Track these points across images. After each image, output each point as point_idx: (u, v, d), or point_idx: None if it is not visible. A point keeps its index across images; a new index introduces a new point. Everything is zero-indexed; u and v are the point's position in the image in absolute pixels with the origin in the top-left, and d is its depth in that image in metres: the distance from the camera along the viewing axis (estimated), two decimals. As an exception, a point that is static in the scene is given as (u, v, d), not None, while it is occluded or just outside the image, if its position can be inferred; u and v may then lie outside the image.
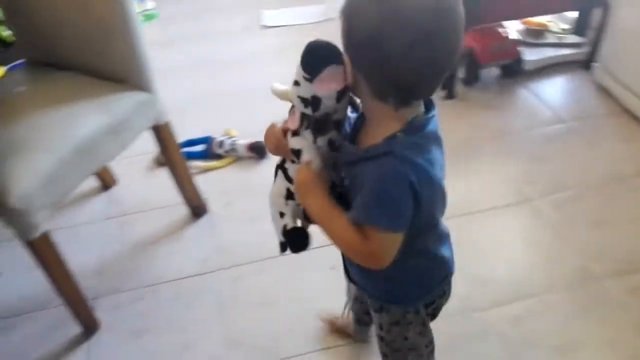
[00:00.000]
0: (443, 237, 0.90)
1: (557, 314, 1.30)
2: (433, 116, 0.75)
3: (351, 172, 0.78)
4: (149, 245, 1.59)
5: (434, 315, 0.97)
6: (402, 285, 0.88)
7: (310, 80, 0.72)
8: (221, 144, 1.88)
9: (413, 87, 0.69)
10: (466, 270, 1.40)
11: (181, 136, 1.57)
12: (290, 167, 0.82)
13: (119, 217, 1.69)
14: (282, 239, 0.88)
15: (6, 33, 2.48)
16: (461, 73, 2.08)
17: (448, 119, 1.95)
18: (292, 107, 0.78)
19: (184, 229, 1.63)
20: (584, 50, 2.15)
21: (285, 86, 0.79)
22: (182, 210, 1.66)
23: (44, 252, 1.16)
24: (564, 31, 2.24)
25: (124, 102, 1.28)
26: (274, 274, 1.45)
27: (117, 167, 1.79)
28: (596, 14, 2.07)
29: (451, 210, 1.51)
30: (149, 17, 2.86)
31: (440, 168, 0.77)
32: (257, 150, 1.85)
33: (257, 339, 1.30)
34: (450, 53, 0.68)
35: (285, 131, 0.80)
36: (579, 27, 2.20)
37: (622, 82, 1.89)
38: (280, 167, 0.85)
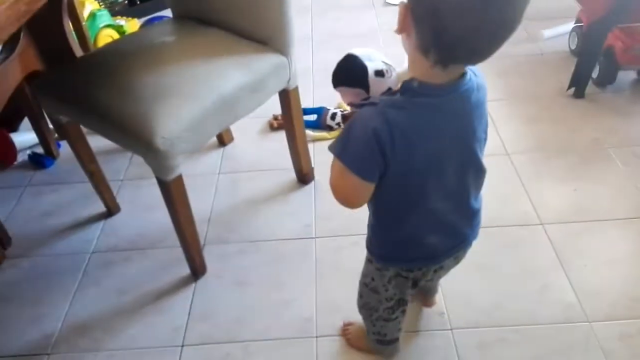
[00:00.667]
0: (436, 222, 0.90)
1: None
2: (444, 90, 0.77)
3: None
4: (256, 203, 1.65)
5: (414, 284, 1.01)
6: (378, 241, 0.97)
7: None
8: (333, 115, 1.91)
9: (455, 47, 0.71)
10: (576, 278, 1.34)
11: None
12: None
13: (231, 173, 1.77)
14: None
15: (147, -13, 2.64)
16: (595, 72, 1.95)
17: (573, 119, 1.86)
18: None
19: (290, 193, 1.68)
20: None
21: None
22: (290, 176, 1.71)
23: (176, 193, 1.23)
24: None
25: (264, 63, 1.32)
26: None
27: (234, 126, 1.86)
28: None
29: (567, 215, 1.46)
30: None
31: (430, 138, 0.79)
32: (368, 127, 1.85)
33: (350, 308, 1.31)
34: (502, 26, 0.68)
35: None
36: None
37: None
38: None
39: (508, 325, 1.26)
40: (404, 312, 1.09)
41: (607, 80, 1.94)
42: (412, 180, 0.83)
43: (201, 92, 1.20)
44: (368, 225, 0.98)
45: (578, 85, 1.92)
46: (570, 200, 1.56)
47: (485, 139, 0.87)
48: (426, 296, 1.28)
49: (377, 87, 0.85)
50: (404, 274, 0.98)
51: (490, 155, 0.96)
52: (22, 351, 1.29)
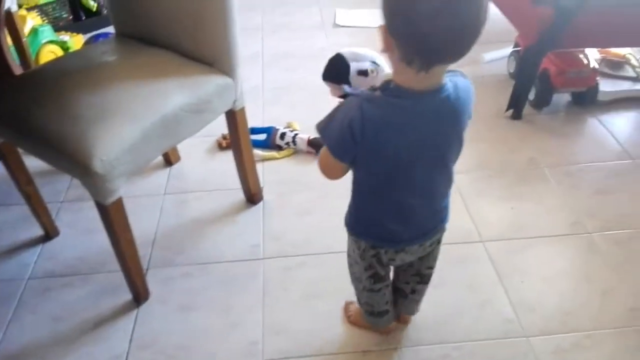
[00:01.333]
0: (401, 212, 1.01)
1: (603, 353, 1.27)
2: (420, 95, 0.86)
3: None
4: (203, 224, 1.63)
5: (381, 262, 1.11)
6: (351, 216, 1.08)
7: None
8: (283, 135, 1.91)
9: (435, 49, 0.79)
10: (514, 295, 1.39)
11: (246, 123, 1.61)
12: None
13: (178, 193, 1.75)
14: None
15: (92, 3, 2.59)
16: (532, 95, 2.04)
17: (511, 139, 1.94)
18: None
19: (238, 213, 1.67)
20: (663, 87, 2.08)
21: None
22: (238, 195, 1.70)
23: (115, 217, 1.21)
24: (644, 66, 2.17)
25: (208, 84, 1.32)
26: (320, 270, 1.47)
27: (181, 145, 1.84)
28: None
29: (505, 232, 1.52)
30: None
31: (399, 135, 0.89)
32: (316, 146, 1.87)
33: (297, 331, 1.32)
34: (471, 23, 0.78)
35: None
36: (661, 63, 2.13)
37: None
38: None
39: (450, 342, 1.29)
40: (387, 286, 1.19)
41: (543, 102, 2.04)
42: (379, 169, 0.94)
43: (142, 112, 1.19)
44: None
45: (516, 107, 2.01)
46: (509, 218, 1.63)
47: (459, 148, 0.97)
48: (405, 312, 1.31)
49: (359, 84, 0.99)
50: (371, 251, 1.08)
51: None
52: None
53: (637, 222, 1.60)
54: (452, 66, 0.86)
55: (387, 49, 0.84)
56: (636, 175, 1.78)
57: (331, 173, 0.98)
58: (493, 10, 2.15)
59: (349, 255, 1.18)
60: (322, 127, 0.94)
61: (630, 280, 1.43)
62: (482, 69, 2.33)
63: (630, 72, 2.16)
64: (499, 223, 1.61)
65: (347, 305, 1.36)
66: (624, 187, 1.73)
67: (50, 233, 1.57)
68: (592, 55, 2.11)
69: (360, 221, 1.07)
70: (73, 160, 1.13)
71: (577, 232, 1.57)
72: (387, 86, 0.88)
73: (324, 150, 0.95)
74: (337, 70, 1.02)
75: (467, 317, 1.35)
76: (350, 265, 1.19)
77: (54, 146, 1.16)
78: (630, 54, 2.19)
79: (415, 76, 0.83)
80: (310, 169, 1.82)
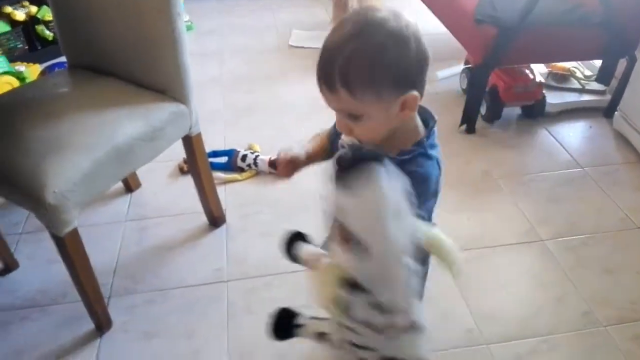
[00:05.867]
0: None
1: (560, 356, 1.32)
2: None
3: None
4: (165, 250, 1.63)
5: None
6: None
7: None
8: (244, 157, 1.93)
9: (415, 78, 0.77)
10: (473, 304, 1.44)
11: (206, 146, 1.62)
12: None
13: (139, 220, 1.74)
14: None
15: (48, 32, 2.58)
16: (483, 109, 2.12)
17: (465, 152, 2.00)
18: None
19: (200, 237, 1.67)
20: (606, 98, 2.19)
21: None
22: (201, 219, 1.70)
23: (71, 247, 1.20)
24: (588, 78, 2.28)
25: (161, 111, 1.33)
26: (285, 290, 1.48)
27: (141, 171, 1.84)
28: (621, 64, 2.11)
29: (462, 243, 1.55)
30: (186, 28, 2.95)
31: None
32: (277, 167, 1.89)
33: (263, 355, 1.32)
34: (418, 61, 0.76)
35: None
36: (603, 76, 2.24)
37: (641, 132, 1.92)
38: None
39: (413, 354, 1.32)
40: None
41: (493, 116, 2.12)
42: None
43: (94, 143, 1.20)
44: None
45: (468, 121, 2.08)
46: (465, 229, 1.68)
47: None
48: None
49: None
50: None
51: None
52: None
53: (587, 228, 1.67)
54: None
55: (406, 114, 0.79)
56: (585, 182, 1.87)
57: None
58: (444, 30, 2.25)
59: None
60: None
61: (582, 284, 1.49)
62: (436, 86, 2.40)
63: (575, 84, 2.26)
64: (455, 234, 1.63)
65: None
66: (574, 195, 1.81)
67: (9, 265, 1.54)
68: (538, 70, 2.21)
69: None
70: (26, 194, 1.13)
71: (531, 239, 1.64)
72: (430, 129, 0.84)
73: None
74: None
75: (429, 326, 1.38)
76: None
77: (7, 179, 1.16)
78: (575, 67, 2.30)
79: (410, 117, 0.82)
80: (271, 190, 1.84)
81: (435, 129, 0.85)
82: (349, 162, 0.68)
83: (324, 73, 0.75)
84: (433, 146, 0.83)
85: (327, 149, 0.99)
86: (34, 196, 1.11)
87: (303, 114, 2.14)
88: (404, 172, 0.74)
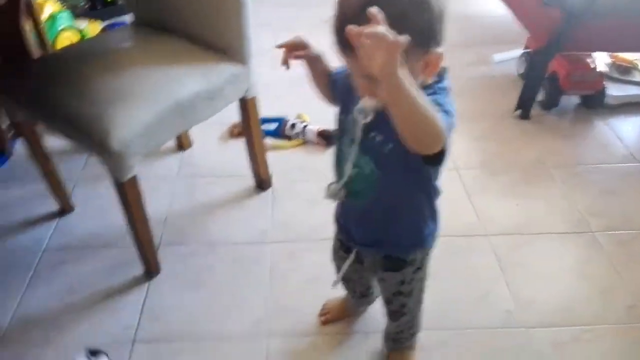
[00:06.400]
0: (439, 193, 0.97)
1: (601, 347, 1.29)
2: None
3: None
4: (213, 208, 1.67)
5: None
6: (430, 221, 0.98)
7: None
8: (293, 126, 1.95)
9: (437, 36, 0.76)
10: (515, 287, 1.42)
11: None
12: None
13: (189, 177, 1.79)
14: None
15: (111, -8, 2.64)
16: (541, 96, 2.07)
17: (519, 138, 1.97)
18: None
19: (247, 199, 1.71)
20: (670, 93, 2.10)
21: None
22: (248, 182, 1.74)
23: (131, 193, 1.25)
24: (652, 71, 2.19)
25: (222, 71, 1.36)
26: (324, 256, 1.49)
27: (193, 131, 1.89)
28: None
29: (509, 228, 1.54)
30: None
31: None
32: (325, 138, 1.90)
33: (300, 311, 1.36)
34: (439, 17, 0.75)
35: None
36: (669, 70, 2.15)
37: None
38: None
39: (449, 329, 1.32)
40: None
41: (551, 103, 2.07)
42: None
43: (157, 96, 1.23)
44: (411, 228, 1.00)
45: (524, 107, 2.04)
46: (513, 215, 1.65)
47: None
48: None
49: None
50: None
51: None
52: (-34, 346, 1.27)
53: (640, 223, 1.62)
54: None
55: (432, 71, 0.80)
56: (641, 178, 1.81)
57: (446, 141, 0.78)
58: (504, 12, 2.20)
59: (419, 280, 1.07)
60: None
61: (631, 279, 1.45)
62: (492, 69, 2.35)
63: (638, 78, 2.18)
64: (503, 219, 1.64)
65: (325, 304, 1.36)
66: (629, 189, 1.76)
67: (65, 209, 1.62)
68: (601, 60, 2.13)
69: (434, 218, 0.99)
70: (92, 139, 1.18)
71: (581, 230, 1.60)
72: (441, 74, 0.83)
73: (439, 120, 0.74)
74: None
75: (468, 306, 1.38)
76: (420, 290, 1.11)
77: (74, 125, 1.21)
78: (638, 59, 2.21)
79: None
80: (318, 160, 1.86)
81: (447, 76, 0.84)
82: None
83: (343, 38, 0.70)
84: (442, 88, 0.82)
85: (327, 82, 1.02)
86: (99, 142, 1.16)
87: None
88: None
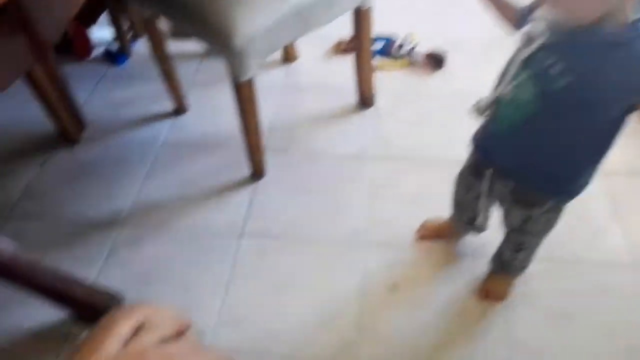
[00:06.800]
0: None
1: None
2: None
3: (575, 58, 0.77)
4: (316, 120, 1.70)
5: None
6: (588, 176, 0.92)
7: None
8: (401, 46, 1.90)
9: None
10: (627, 229, 1.35)
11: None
12: None
13: (294, 89, 1.82)
14: None
15: None
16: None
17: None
18: None
19: (350, 114, 1.72)
20: None
21: None
22: (351, 98, 1.74)
23: (247, 94, 1.30)
24: None
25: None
26: (426, 176, 1.50)
27: (300, 45, 1.90)
28: None
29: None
30: None
31: None
32: (434, 60, 1.85)
33: (400, 225, 1.38)
34: None
35: None
36: None
37: None
38: None
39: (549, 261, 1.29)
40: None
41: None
42: None
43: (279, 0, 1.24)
44: (573, 174, 0.96)
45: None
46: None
47: None
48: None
49: None
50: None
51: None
52: (95, 220, 1.42)
53: None
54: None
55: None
56: None
57: None
58: None
59: (547, 222, 1.02)
60: None
61: None
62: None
63: None
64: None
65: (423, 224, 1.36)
66: None
67: (180, 108, 1.71)
68: None
69: (587, 183, 0.94)
70: (217, 35, 1.21)
71: None
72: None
73: None
74: None
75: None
76: (545, 232, 1.06)
77: (201, 21, 1.24)
78: None
79: None
80: (423, 83, 1.82)
81: None
82: None
83: None
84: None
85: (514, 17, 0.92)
86: (223, 38, 1.19)
87: (470, 10, 2.02)
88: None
